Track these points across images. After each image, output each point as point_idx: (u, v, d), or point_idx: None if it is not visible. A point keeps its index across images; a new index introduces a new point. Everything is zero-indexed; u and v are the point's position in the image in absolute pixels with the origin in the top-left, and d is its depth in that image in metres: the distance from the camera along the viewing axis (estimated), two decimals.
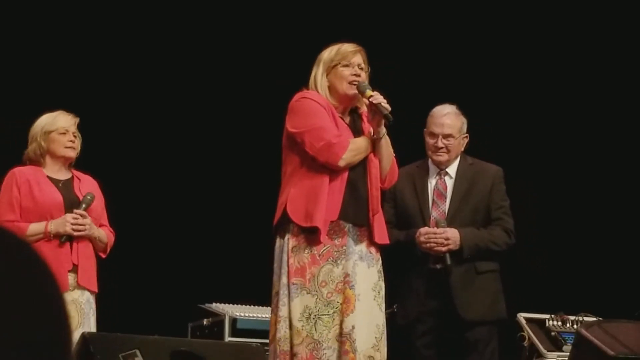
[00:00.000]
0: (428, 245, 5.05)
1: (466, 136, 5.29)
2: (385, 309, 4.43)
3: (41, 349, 1.54)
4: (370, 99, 4.37)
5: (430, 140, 5.23)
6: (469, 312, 5.07)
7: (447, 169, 5.26)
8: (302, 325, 4.21)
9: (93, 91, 7.19)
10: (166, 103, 7.51)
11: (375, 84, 4.47)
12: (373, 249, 4.37)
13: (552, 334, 5.34)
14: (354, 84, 4.40)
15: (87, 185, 5.11)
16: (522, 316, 5.41)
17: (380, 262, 4.40)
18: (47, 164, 5.04)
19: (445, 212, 5.17)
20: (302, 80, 4.56)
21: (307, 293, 4.24)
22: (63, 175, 5.08)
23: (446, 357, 5.13)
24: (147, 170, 7.39)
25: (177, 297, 6.89)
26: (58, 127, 5.02)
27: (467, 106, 5.43)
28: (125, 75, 7.36)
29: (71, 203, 4.96)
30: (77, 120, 5.10)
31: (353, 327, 4.20)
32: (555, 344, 5.30)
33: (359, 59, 4.46)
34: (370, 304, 4.28)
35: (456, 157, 5.28)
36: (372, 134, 4.42)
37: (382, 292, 4.37)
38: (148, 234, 7.19)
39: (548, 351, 5.26)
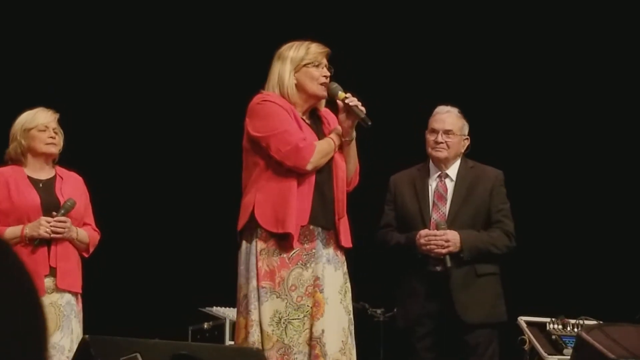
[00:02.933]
0: (428, 247, 5.05)
1: (467, 138, 5.30)
2: (386, 312, 4.43)
3: (16, 342, 1.55)
4: (345, 101, 4.34)
5: (430, 137, 5.23)
6: (469, 315, 5.08)
7: (447, 171, 5.26)
8: (273, 330, 4.19)
9: (85, 87, 7.16)
10: (167, 101, 7.51)
11: (376, 88, 4.48)
12: (339, 252, 4.35)
13: (553, 337, 5.34)
14: (324, 85, 4.38)
15: (69, 184, 5.03)
16: (522, 320, 5.41)
17: (345, 264, 4.38)
18: (28, 163, 4.97)
19: (445, 215, 5.18)
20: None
21: (277, 297, 4.21)
22: (45, 174, 5.00)
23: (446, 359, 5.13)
24: (149, 174, 7.39)
25: (178, 301, 6.89)
26: (37, 123, 4.95)
27: (469, 110, 5.44)
28: (116, 71, 7.33)
29: (49, 205, 4.88)
30: (57, 116, 5.02)
31: (323, 331, 4.18)
32: (556, 348, 5.30)
33: (325, 60, 4.43)
34: (337, 307, 4.25)
35: (456, 158, 5.28)
36: (342, 136, 4.38)
37: (349, 294, 4.35)
38: (148, 237, 7.19)
39: (549, 355, 5.25)
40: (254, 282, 4.26)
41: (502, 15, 7.64)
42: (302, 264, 4.26)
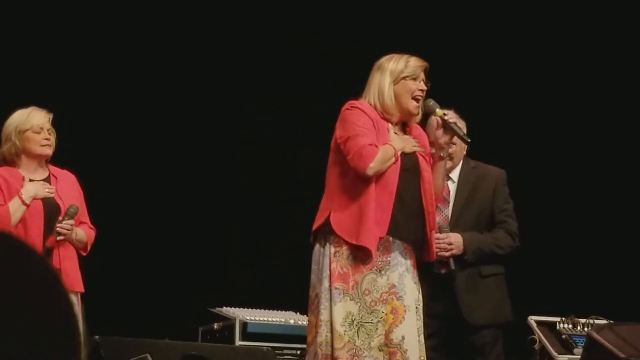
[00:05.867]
0: None
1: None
2: None
3: (51, 352, 1.55)
4: (443, 118, 4.43)
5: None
6: (474, 316, 5.07)
7: (449, 174, 5.26)
8: (345, 331, 4.20)
9: (80, 83, 7.13)
10: (172, 101, 7.51)
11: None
12: (414, 264, 4.38)
13: (563, 336, 5.33)
14: (418, 99, 4.42)
15: (64, 183, 5.03)
16: (532, 319, 5.40)
17: (417, 278, 4.41)
18: (22, 163, 4.97)
19: (448, 217, 5.18)
20: (307, 80, 4.54)
21: (350, 299, 4.23)
22: (39, 174, 5.00)
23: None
24: (161, 173, 7.38)
25: (188, 301, 6.89)
26: (32, 125, 4.93)
27: (472, 109, 5.43)
28: (109, 69, 7.29)
29: (50, 204, 4.89)
30: (51, 116, 5.01)
31: (403, 338, 4.21)
32: (566, 347, 5.29)
33: (423, 74, 4.47)
34: (414, 317, 4.28)
35: (459, 160, 5.29)
36: (436, 151, 4.45)
37: (421, 308, 4.38)
38: (159, 237, 7.19)
39: (559, 354, 5.25)
40: (326, 283, 4.27)
41: (502, 14, 7.63)
42: (376, 270, 4.27)
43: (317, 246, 4.37)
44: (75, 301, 4.89)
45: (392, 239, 4.30)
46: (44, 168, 5.03)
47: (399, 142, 4.38)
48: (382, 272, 4.27)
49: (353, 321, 4.21)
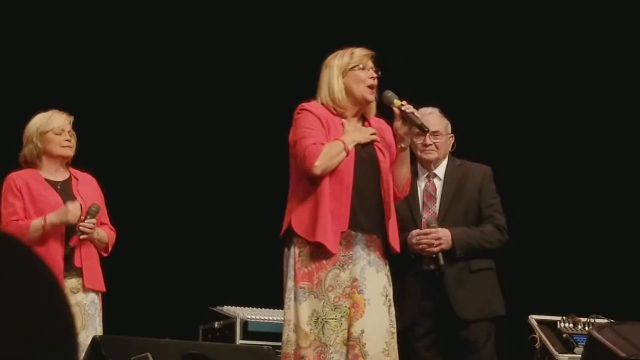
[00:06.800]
0: (420, 246, 5.06)
1: (452, 136, 5.31)
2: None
3: (48, 350, 1.56)
4: (401, 108, 4.41)
5: (418, 141, 5.22)
6: (465, 311, 5.07)
7: (435, 171, 5.26)
8: (310, 329, 4.22)
9: (95, 88, 7.19)
10: (180, 101, 7.52)
11: None
12: (380, 254, 4.37)
13: (564, 335, 5.33)
14: (372, 86, 4.42)
15: (85, 185, 5.07)
16: (533, 318, 5.40)
17: (388, 267, 4.41)
18: (43, 165, 5.01)
19: (436, 214, 5.18)
20: (308, 82, 4.55)
21: (315, 297, 4.25)
22: (60, 176, 5.05)
23: (447, 357, 5.12)
24: (160, 172, 7.40)
25: (189, 300, 6.90)
26: (53, 127, 4.98)
27: (454, 108, 5.43)
28: (125, 71, 7.35)
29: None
30: (72, 118, 5.06)
31: (362, 332, 4.21)
32: (567, 346, 5.29)
33: (371, 62, 4.48)
34: (380, 309, 4.28)
35: (444, 157, 5.29)
36: (396, 143, 4.45)
37: (390, 297, 4.37)
38: (160, 236, 7.20)
39: (560, 353, 5.25)
40: (290, 283, 4.31)
41: (483, 11, 7.62)
42: (339, 265, 4.28)
43: (285, 250, 4.41)
44: (97, 300, 4.98)
45: (354, 233, 4.31)
46: (65, 170, 5.08)
47: (352, 135, 4.38)
48: (345, 267, 4.28)
49: (318, 319, 4.23)
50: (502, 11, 7.62)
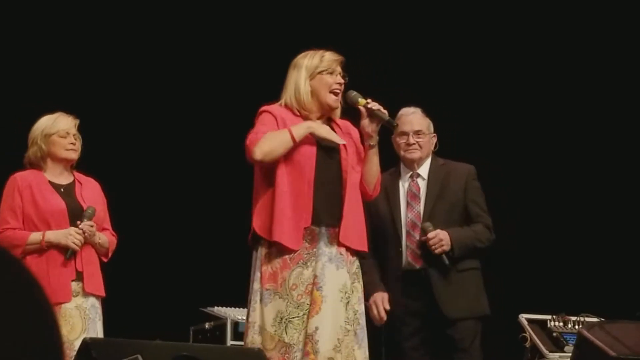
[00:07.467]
0: (437, 250, 5.04)
1: (434, 135, 5.30)
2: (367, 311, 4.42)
3: (32, 351, 1.56)
4: (367, 106, 4.40)
5: (400, 140, 5.22)
6: (452, 310, 5.07)
7: (418, 171, 5.25)
8: (275, 330, 4.22)
9: (96, 92, 7.19)
10: (173, 103, 7.52)
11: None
12: (344, 251, 4.35)
13: (554, 334, 5.35)
14: (336, 93, 4.42)
15: (89, 189, 5.07)
16: (523, 317, 5.42)
17: (355, 263, 4.39)
18: (48, 167, 5.01)
19: (420, 213, 5.16)
20: None
21: (279, 298, 4.25)
22: (65, 179, 5.04)
23: (434, 356, 5.13)
24: (149, 174, 7.39)
25: (179, 301, 6.90)
26: (59, 129, 4.97)
27: (437, 108, 5.44)
28: (129, 76, 7.35)
29: (74, 209, 4.92)
30: (77, 122, 5.06)
31: (316, 329, 4.19)
32: (557, 345, 5.30)
33: (339, 68, 4.47)
34: (336, 306, 4.25)
35: (427, 157, 5.28)
36: (364, 141, 4.45)
37: (356, 293, 4.35)
38: (149, 237, 7.19)
39: (550, 352, 5.26)
40: (255, 285, 4.32)
41: (470, 12, 7.63)
42: (302, 263, 4.28)
43: (253, 252, 4.41)
44: (98, 305, 4.97)
45: (318, 229, 4.31)
46: (70, 173, 5.07)
47: (309, 125, 4.37)
48: (309, 264, 4.28)
49: (282, 319, 4.22)
50: (489, 7, 7.62)
